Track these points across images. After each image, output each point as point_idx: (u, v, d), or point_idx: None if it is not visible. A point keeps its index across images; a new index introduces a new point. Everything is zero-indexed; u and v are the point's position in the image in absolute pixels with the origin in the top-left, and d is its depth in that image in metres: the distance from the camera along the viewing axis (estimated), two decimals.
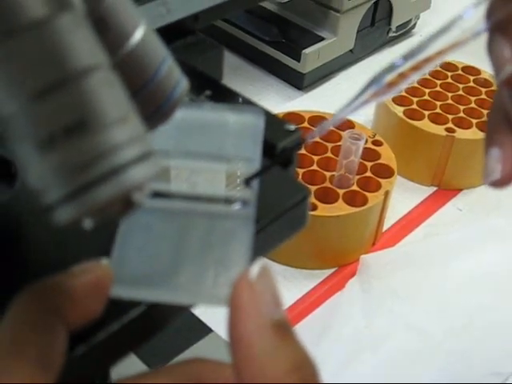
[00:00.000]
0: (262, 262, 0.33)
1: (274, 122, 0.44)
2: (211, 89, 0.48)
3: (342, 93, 1.08)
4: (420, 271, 0.84)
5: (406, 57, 0.39)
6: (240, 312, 0.31)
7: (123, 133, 0.26)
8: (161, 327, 0.36)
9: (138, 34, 0.32)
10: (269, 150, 0.42)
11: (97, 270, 0.33)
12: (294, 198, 0.41)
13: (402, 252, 0.87)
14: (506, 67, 0.38)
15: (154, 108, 0.34)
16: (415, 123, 0.92)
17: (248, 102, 0.48)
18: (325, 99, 1.07)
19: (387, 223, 0.90)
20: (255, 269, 0.33)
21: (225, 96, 0.48)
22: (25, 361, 0.29)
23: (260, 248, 0.38)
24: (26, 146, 0.26)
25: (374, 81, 0.39)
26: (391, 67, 0.39)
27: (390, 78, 0.38)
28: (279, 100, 1.07)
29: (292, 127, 0.45)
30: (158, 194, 0.37)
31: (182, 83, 0.35)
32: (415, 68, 0.39)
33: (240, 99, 0.48)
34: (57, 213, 0.26)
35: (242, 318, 0.31)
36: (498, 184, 0.42)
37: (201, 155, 0.40)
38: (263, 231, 0.39)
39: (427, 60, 0.38)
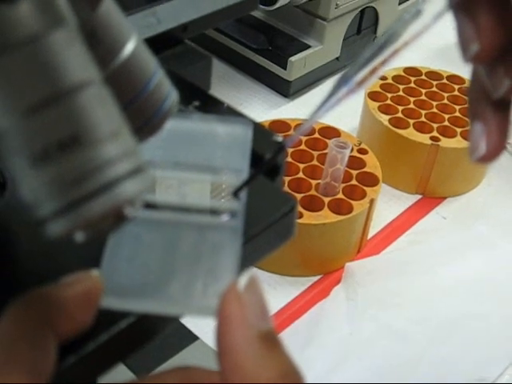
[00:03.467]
0: (250, 273, 0.33)
1: (261, 133, 0.45)
2: (199, 99, 0.48)
3: None
4: (404, 278, 0.84)
5: (374, 52, 0.39)
6: (228, 323, 0.32)
7: (115, 147, 0.27)
8: (150, 337, 0.37)
9: (129, 47, 0.33)
10: (257, 161, 0.43)
11: (87, 280, 0.33)
12: (281, 208, 0.41)
13: (387, 259, 0.88)
14: (471, 46, 0.38)
15: (144, 120, 0.35)
16: (400, 132, 0.93)
17: (236, 113, 0.48)
18: (311, 107, 1.06)
19: (372, 231, 0.90)
20: (243, 280, 0.33)
21: (213, 106, 0.48)
22: (16, 371, 0.29)
23: (248, 259, 0.38)
24: (20, 160, 0.26)
25: (343, 79, 0.39)
26: (358, 63, 0.39)
27: (360, 75, 0.39)
28: (265, 107, 1.08)
29: (279, 138, 0.45)
30: (146, 205, 0.38)
31: (172, 95, 0.35)
32: (383, 62, 0.39)
33: (226, 109, 0.48)
34: (49, 227, 0.27)
35: (230, 329, 0.32)
36: (484, 159, 0.42)
37: (189, 166, 0.40)
38: (251, 242, 0.39)
39: (394, 52, 0.39)
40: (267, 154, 0.44)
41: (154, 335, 0.37)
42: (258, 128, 0.44)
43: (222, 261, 0.36)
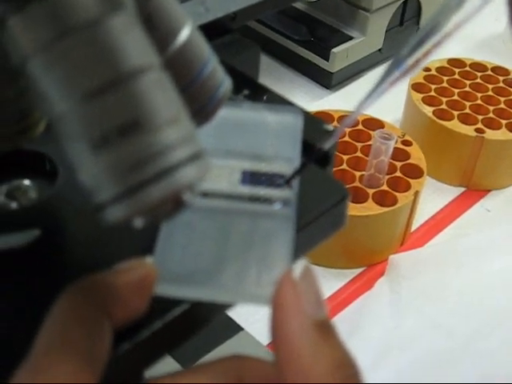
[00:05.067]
0: (303, 262, 0.33)
1: (311, 122, 0.44)
2: (249, 88, 0.48)
3: None
4: (448, 272, 0.84)
5: (418, 41, 0.39)
6: (284, 311, 0.32)
7: (175, 133, 0.27)
8: (202, 326, 0.36)
9: (184, 33, 0.33)
10: (307, 149, 0.42)
11: (141, 267, 0.33)
12: (333, 198, 0.41)
13: (431, 252, 0.87)
14: None
15: (198, 107, 0.34)
16: (444, 123, 0.92)
17: (286, 102, 0.48)
18: (353, 98, 1.06)
19: (416, 223, 0.90)
20: (297, 268, 0.33)
21: (262, 95, 0.48)
22: (72, 359, 0.29)
23: (300, 247, 0.38)
24: (79, 145, 0.26)
25: (393, 66, 0.39)
26: (409, 47, 0.39)
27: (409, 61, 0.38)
28: (308, 99, 1.07)
29: (330, 127, 0.45)
30: (202, 193, 0.38)
31: (226, 83, 0.35)
32: (426, 53, 0.38)
33: (276, 98, 0.48)
34: (108, 212, 0.27)
35: (286, 318, 0.31)
36: None
37: (240, 154, 0.40)
38: (303, 231, 0.39)
39: (438, 43, 0.38)
40: (318, 142, 0.43)
41: (206, 323, 0.36)
42: (308, 117, 0.44)
43: (275, 249, 0.35)
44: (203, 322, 0.36)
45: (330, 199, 0.41)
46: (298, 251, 0.37)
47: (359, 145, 0.87)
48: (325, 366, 0.31)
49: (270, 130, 0.42)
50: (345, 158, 0.85)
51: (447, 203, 0.94)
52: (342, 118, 0.91)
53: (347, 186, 0.80)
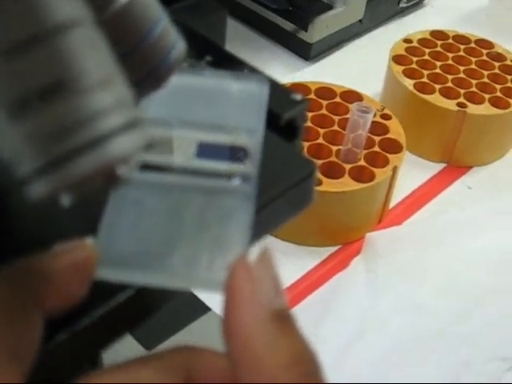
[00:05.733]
0: (262, 243, 0.30)
1: (279, 92, 0.41)
2: (213, 54, 0.44)
3: (351, 64, 1.05)
4: (427, 250, 0.81)
5: None
6: (236, 300, 0.28)
7: (106, 97, 0.23)
8: (151, 312, 0.33)
9: None
10: (273, 120, 0.39)
11: (80, 249, 0.30)
12: (299, 173, 0.37)
13: (409, 230, 0.84)
14: None
15: (147, 71, 0.31)
16: (426, 97, 0.89)
17: (252, 70, 0.44)
18: (332, 70, 1.04)
19: (394, 200, 0.86)
20: (254, 251, 0.30)
21: (227, 63, 0.44)
22: None
23: (261, 227, 0.35)
24: None
25: None
26: None
27: None
28: (285, 71, 1.04)
29: (298, 97, 0.42)
30: (150, 167, 0.34)
31: (179, 46, 0.32)
32: None
33: (244, 67, 0.45)
34: (30, 187, 0.23)
35: (239, 307, 0.28)
36: None
37: (199, 125, 0.37)
38: (265, 209, 0.36)
39: None
40: (286, 113, 0.40)
41: (155, 309, 0.33)
42: (275, 86, 0.41)
43: (231, 230, 0.32)
44: (152, 309, 0.33)
45: (295, 174, 0.37)
46: (260, 232, 0.34)
47: (336, 118, 0.84)
48: (280, 360, 0.28)
49: (232, 100, 0.39)
50: (321, 131, 0.82)
51: (427, 179, 0.91)
52: (319, 91, 0.87)
53: (323, 161, 0.79)
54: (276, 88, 0.41)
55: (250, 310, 0.28)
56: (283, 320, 0.28)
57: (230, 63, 0.44)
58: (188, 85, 0.39)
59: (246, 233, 0.32)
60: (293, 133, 0.40)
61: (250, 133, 0.36)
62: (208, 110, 0.38)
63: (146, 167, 0.34)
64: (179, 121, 0.37)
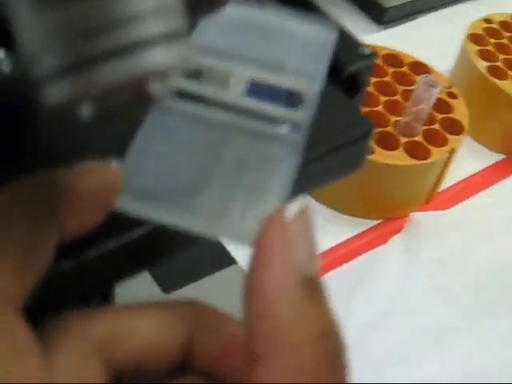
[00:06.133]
0: (302, 201, 0.27)
1: (346, 42, 0.38)
2: None
3: (424, 36, 1.00)
4: (471, 241, 0.77)
5: None
6: (266, 258, 0.25)
7: (147, 0, 0.20)
8: (168, 255, 0.30)
9: None
10: (336, 71, 0.36)
11: (104, 172, 0.27)
12: (354, 131, 0.34)
13: (455, 217, 0.80)
14: None
15: None
16: (497, 82, 0.84)
17: (320, 13, 0.41)
18: (404, 39, 0.99)
19: (445, 183, 0.82)
20: (293, 207, 0.27)
21: (296, 2, 0.41)
22: (3, 259, 0.24)
23: (302, 184, 0.32)
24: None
25: None
26: None
27: None
28: (355, 32, 0.99)
29: (367, 51, 0.38)
30: (193, 97, 0.31)
31: None
32: None
33: (314, 10, 0.41)
34: (46, 89, 0.20)
35: (267, 267, 0.25)
36: None
37: (256, 62, 0.33)
38: (311, 164, 0.32)
39: None
40: (351, 66, 0.37)
41: (173, 253, 0.30)
42: (344, 35, 0.37)
43: (271, 180, 0.29)
44: (170, 252, 0.30)
45: (350, 132, 0.34)
46: (301, 188, 0.30)
47: (400, 88, 0.80)
48: (305, 333, 0.25)
49: (295, 41, 0.35)
50: (382, 99, 0.78)
51: (483, 168, 0.87)
52: (388, 57, 0.83)
53: (379, 130, 0.75)
54: (344, 37, 0.37)
55: (280, 272, 0.25)
56: (313, 288, 0.25)
57: (300, 3, 0.41)
58: (249, 18, 0.36)
59: (286, 186, 0.29)
60: (354, 88, 0.37)
61: (310, 79, 0.33)
62: (267, 47, 0.34)
63: (189, 97, 0.31)
64: (234, 53, 0.33)
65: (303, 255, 0.26)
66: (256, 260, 0.26)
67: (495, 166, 0.88)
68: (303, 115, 0.31)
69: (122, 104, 0.21)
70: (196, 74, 0.30)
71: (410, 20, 1.04)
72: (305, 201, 0.26)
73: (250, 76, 0.32)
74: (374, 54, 0.38)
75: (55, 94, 0.20)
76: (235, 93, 0.32)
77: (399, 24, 1.03)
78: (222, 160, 0.29)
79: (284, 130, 0.31)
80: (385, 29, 1.02)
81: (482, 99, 0.86)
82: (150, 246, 0.29)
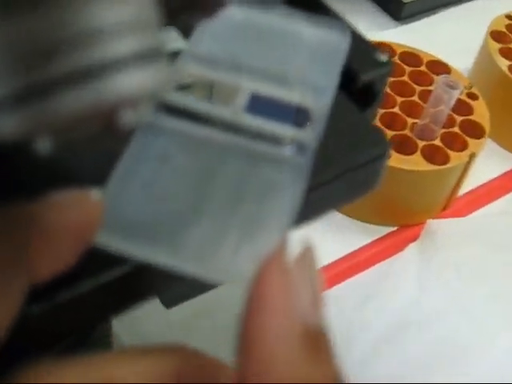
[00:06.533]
0: (305, 238, 0.23)
1: (361, 47, 0.34)
2: None
3: (443, 32, 0.96)
4: (490, 251, 0.73)
5: None
6: (264, 305, 0.22)
7: (118, 12, 0.16)
8: (147, 296, 0.27)
9: None
10: (348, 80, 0.32)
11: (82, 204, 0.24)
12: (368, 151, 0.30)
13: (475, 224, 0.76)
14: None
15: None
16: None
17: (333, 17, 0.37)
18: (422, 36, 0.95)
19: (464, 188, 0.78)
20: (295, 245, 0.23)
21: (306, 3, 0.37)
22: None
23: (308, 211, 0.28)
24: None
25: None
26: None
27: None
28: (371, 28, 0.96)
29: (384, 57, 0.34)
30: (186, 114, 0.27)
31: None
32: None
33: (326, 12, 0.37)
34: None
35: (266, 316, 0.22)
36: None
37: (259, 72, 0.30)
38: (318, 189, 0.29)
39: None
40: (365, 74, 0.33)
41: (154, 294, 0.27)
42: (358, 40, 0.34)
43: (271, 209, 0.25)
44: (150, 292, 0.27)
45: (363, 153, 0.30)
46: (306, 215, 0.27)
47: (418, 88, 0.76)
48: None
49: (302, 48, 0.32)
50: (399, 100, 0.74)
51: (504, 172, 0.83)
52: (405, 55, 0.79)
53: (395, 133, 0.71)
54: (358, 42, 0.34)
55: (279, 323, 0.22)
56: (317, 342, 0.22)
57: (309, 5, 0.37)
58: (251, 22, 0.32)
59: (288, 216, 0.25)
60: (368, 99, 0.33)
61: (318, 91, 0.29)
62: (271, 56, 0.31)
63: (181, 113, 0.27)
64: (233, 63, 0.30)
65: (306, 304, 0.22)
66: (252, 308, 0.22)
67: None
68: (310, 134, 0.28)
69: (88, 137, 0.18)
70: (189, 86, 0.27)
71: (429, 15, 1.00)
72: (308, 238, 0.23)
73: (251, 89, 0.29)
74: (390, 60, 0.34)
75: (6, 125, 0.16)
76: (233, 108, 0.28)
77: (417, 20, 0.99)
78: (216, 186, 0.26)
79: (288, 151, 0.27)
80: (402, 24, 0.98)
81: (503, 100, 0.82)
82: (132, 286, 0.26)
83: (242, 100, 0.28)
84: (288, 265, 0.22)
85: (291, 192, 0.26)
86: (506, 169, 0.83)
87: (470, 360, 0.65)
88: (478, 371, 0.65)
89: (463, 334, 0.67)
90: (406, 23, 0.98)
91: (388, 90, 0.75)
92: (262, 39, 0.32)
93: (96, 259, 0.24)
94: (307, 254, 0.23)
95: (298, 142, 0.27)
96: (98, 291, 0.24)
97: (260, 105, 0.28)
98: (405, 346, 0.65)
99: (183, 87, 0.28)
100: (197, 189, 0.26)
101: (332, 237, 0.72)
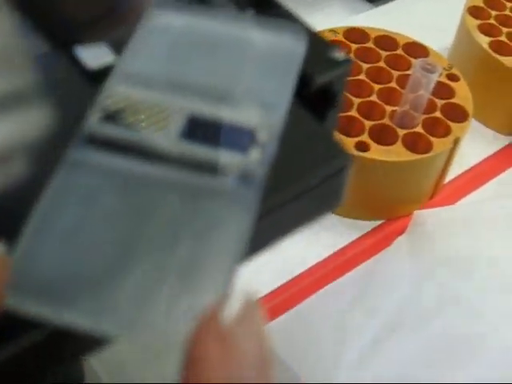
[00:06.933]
0: (248, 290, 0.20)
1: (314, 45, 0.30)
2: None
3: (419, 11, 0.93)
4: (482, 239, 0.70)
5: None
6: (199, 372, 0.18)
7: None
8: (69, 362, 0.23)
9: None
10: (301, 84, 0.28)
11: None
12: (327, 166, 0.27)
13: (464, 211, 0.73)
14: None
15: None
16: (501, 59, 0.77)
17: (284, 13, 0.33)
18: (397, 16, 0.92)
19: (450, 174, 0.75)
20: (236, 298, 0.20)
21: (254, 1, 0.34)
22: None
23: (263, 239, 0.25)
24: None
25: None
26: None
27: None
28: (344, 11, 0.92)
29: (340, 55, 0.31)
30: (114, 145, 0.24)
31: None
32: None
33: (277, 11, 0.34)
34: None
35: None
36: None
37: (197, 90, 0.26)
38: (271, 215, 0.25)
39: None
40: (319, 76, 0.29)
41: (77, 360, 0.23)
42: (310, 36, 0.30)
43: (213, 251, 0.22)
44: (71, 358, 0.23)
45: (321, 169, 0.27)
46: (258, 245, 0.23)
47: (395, 73, 0.73)
48: None
49: (252, 57, 0.28)
50: (376, 87, 0.71)
51: (492, 153, 0.79)
52: (379, 39, 0.76)
53: (374, 123, 0.67)
54: (311, 40, 0.30)
55: None
56: None
57: (259, 3, 0.34)
58: (194, 30, 0.28)
59: (233, 257, 0.22)
60: (326, 104, 0.30)
61: (269, 109, 0.26)
62: (215, 69, 0.27)
63: (109, 145, 0.24)
64: (168, 80, 0.26)
65: (250, 371, 0.19)
66: (188, 374, 0.19)
67: (505, 150, 0.80)
68: (257, 160, 0.24)
69: None
70: (116, 113, 0.23)
71: None
72: (252, 288, 0.19)
73: (189, 111, 0.25)
74: (348, 58, 0.30)
75: None
76: (168, 135, 0.24)
77: (391, 1, 0.95)
78: (150, 229, 0.22)
79: (231, 182, 0.23)
80: (376, 6, 0.94)
81: (486, 78, 0.79)
82: (52, 351, 0.22)
83: (179, 125, 0.25)
84: (227, 324, 0.19)
85: (236, 229, 0.22)
86: (494, 150, 0.80)
87: (470, 355, 0.62)
88: (477, 365, 0.62)
89: (460, 329, 0.64)
90: (380, 4, 0.94)
91: (364, 77, 0.71)
92: (205, 50, 0.28)
93: (7, 323, 0.20)
94: (249, 307, 0.19)
95: (243, 171, 0.24)
96: (10, 360, 0.21)
97: (199, 129, 0.25)
98: (400, 348, 0.62)
99: (111, 115, 0.24)
100: (128, 234, 0.22)
101: (314, 235, 0.68)
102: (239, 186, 0.23)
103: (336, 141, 0.27)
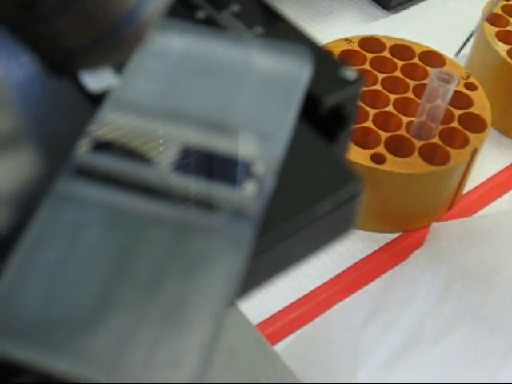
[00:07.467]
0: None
1: (323, 63, 0.29)
2: (242, 2, 0.32)
3: (436, 19, 0.91)
4: (502, 251, 0.68)
5: None
6: None
7: None
8: None
9: None
10: (310, 106, 0.27)
11: None
12: (337, 194, 0.25)
13: (483, 224, 0.71)
14: None
15: (101, 31, 0.20)
16: None
17: (291, 29, 0.32)
18: (413, 24, 0.90)
19: (469, 184, 0.73)
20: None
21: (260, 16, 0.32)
22: None
23: (268, 272, 0.23)
24: None
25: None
26: None
27: None
28: (360, 19, 0.91)
29: (351, 74, 0.29)
30: (102, 177, 0.23)
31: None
32: None
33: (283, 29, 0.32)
34: None
35: None
36: None
37: (192, 119, 0.25)
38: (269, 250, 0.24)
39: None
40: (328, 97, 0.28)
41: None
42: (318, 54, 0.29)
43: (199, 294, 0.20)
44: None
45: (330, 196, 0.25)
46: (255, 281, 0.22)
47: (412, 83, 0.71)
48: None
49: (253, 81, 0.27)
50: (392, 97, 0.69)
51: (509, 164, 0.78)
52: (395, 48, 0.74)
53: (390, 134, 0.66)
54: (320, 57, 0.29)
55: None
56: None
57: (265, 17, 0.32)
58: (194, 54, 0.27)
59: (220, 303, 0.20)
60: (336, 126, 0.28)
61: (267, 139, 0.24)
62: (213, 96, 0.26)
63: (97, 176, 0.22)
64: (162, 109, 0.25)
65: None
66: None
67: None
68: (253, 195, 0.23)
69: None
70: (106, 142, 0.22)
71: (419, 2, 0.94)
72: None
73: (181, 142, 0.24)
74: (360, 77, 0.29)
75: None
76: (159, 168, 0.23)
77: (407, 7, 0.93)
78: (135, 268, 0.21)
79: (223, 218, 0.22)
80: (392, 14, 0.92)
81: (504, 87, 0.77)
82: None
83: (170, 155, 0.23)
84: None
85: (226, 269, 0.21)
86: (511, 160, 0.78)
87: (488, 370, 0.61)
88: (496, 381, 0.60)
89: (478, 343, 0.62)
90: (396, 12, 0.93)
91: (379, 87, 0.70)
92: (204, 75, 0.27)
93: None
94: None
95: (236, 206, 0.22)
96: None
97: (191, 161, 0.23)
98: (417, 365, 0.61)
99: (100, 144, 0.23)
100: (113, 272, 0.21)
101: (329, 249, 0.67)
102: (232, 223, 0.22)
103: (347, 165, 0.26)
